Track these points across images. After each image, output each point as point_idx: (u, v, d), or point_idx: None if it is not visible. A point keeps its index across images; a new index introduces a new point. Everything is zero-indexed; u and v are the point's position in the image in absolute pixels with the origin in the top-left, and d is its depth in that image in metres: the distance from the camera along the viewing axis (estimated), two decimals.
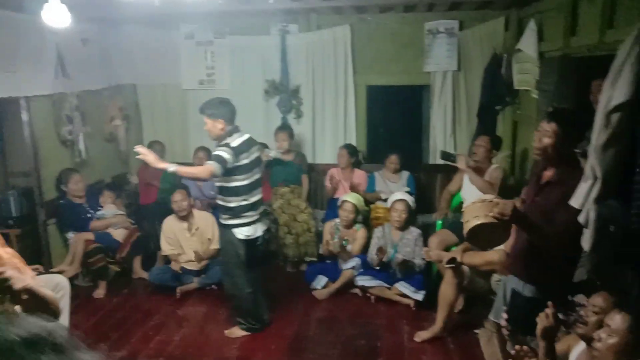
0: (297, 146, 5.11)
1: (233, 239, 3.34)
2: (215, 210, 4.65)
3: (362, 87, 5.17)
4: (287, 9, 4.72)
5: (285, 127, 4.92)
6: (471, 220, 2.27)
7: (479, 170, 3.96)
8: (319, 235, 4.56)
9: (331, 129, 5.21)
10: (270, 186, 4.82)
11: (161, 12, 3.93)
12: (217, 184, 3.34)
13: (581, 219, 2.07)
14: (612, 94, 1.94)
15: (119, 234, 4.48)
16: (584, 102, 2.98)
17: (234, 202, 3.30)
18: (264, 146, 4.87)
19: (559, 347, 2.09)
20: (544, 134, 2.30)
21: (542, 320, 1.93)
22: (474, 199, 2.40)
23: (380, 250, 3.99)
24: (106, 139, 5.12)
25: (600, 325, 1.79)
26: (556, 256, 2.34)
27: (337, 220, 4.37)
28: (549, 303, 1.95)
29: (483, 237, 2.35)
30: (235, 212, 3.31)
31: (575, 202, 2.10)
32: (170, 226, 4.32)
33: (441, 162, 4.23)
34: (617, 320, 1.51)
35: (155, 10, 3.66)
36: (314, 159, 5.25)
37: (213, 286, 4.22)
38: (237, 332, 3.56)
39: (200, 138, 5.18)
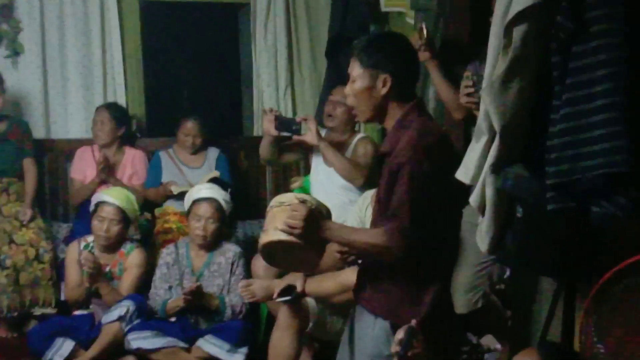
0: (12, 108, 4.77)
1: None
2: None
3: (133, 4, 5.03)
4: None
5: None
6: (266, 232, 2.49)
7: (338, 143, 4.01)
8: (59, 267, 4.31)
9: (78, 77, 5.00)
10: None
11: None
12: None
13: (473, 199, 2.10)
14: None
15: None
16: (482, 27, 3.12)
17: None
18: None
19: None
20: (350, 82, 2.46)
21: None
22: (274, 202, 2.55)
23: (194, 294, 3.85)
24: None
25: None
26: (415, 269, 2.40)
27: (89, 238, 4.14)
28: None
29: (283, 257, 2.57)
30: None
31: (462, 173, 2.14)
32: None
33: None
34: None
35: None
36: (47, 132, 5.00)
37: None
38: None
39: None
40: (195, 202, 4.04)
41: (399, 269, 2.38)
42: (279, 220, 2.38)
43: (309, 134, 3.84)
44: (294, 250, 2.46)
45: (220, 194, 4.11)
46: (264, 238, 2.47)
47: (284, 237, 2.35)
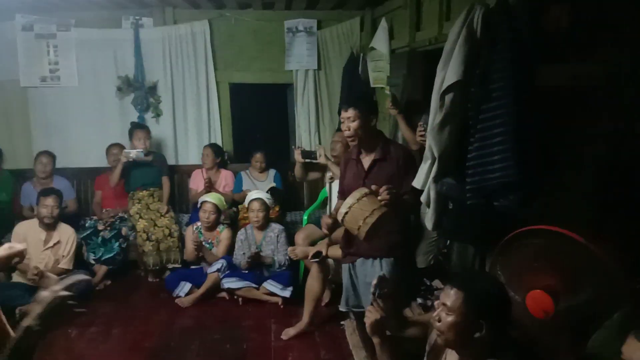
0: (155, 147, 4.78)
1: None
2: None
3: (225, 85, 4.99)
4: (140, 1, 4.40)
5: (142, 126, 4.57)
6: (363, 224, 2.09)
7: (338, 163, 3.96)
8: (182, 240, 4.27)
9: (194, 128, 4.95)
10: (126, 192, 4.48)
11: None
12: None
13: (423, 198, 2.07)
14: (444, 75, 1.96)
15: None
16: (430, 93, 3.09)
17: None
18: (121, 147, 4.50)
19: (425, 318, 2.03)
20: (348, 122, 2.45)
21: (372, 314, 1.77)
22: (345, 206, 2.17)
23: (254, 257, 3.84)
24: None
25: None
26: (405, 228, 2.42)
27: (199, 223, 4.14)
28: (373, 296, 1.80)
29: (377, 230, 2.16)
30: None
31: (417, 182, 2.12)
32: (25, 232, 3.79)
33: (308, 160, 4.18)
34: (451, 297, 1.45)
35: None
36: (176, 160, 4.97)
37: None
38: None
39: (46, 139, 4.69)
40: (250, 201, 4.02)
41: (394, 228, 2.37)
42: (371, 205, 2.06)
43: (321, 158, 3.83)
44: (380, 222, 2.09)
45: (264, 195, 4.06)
46: (370, 219, 2.05)
47: (386, 209, 2.06)
